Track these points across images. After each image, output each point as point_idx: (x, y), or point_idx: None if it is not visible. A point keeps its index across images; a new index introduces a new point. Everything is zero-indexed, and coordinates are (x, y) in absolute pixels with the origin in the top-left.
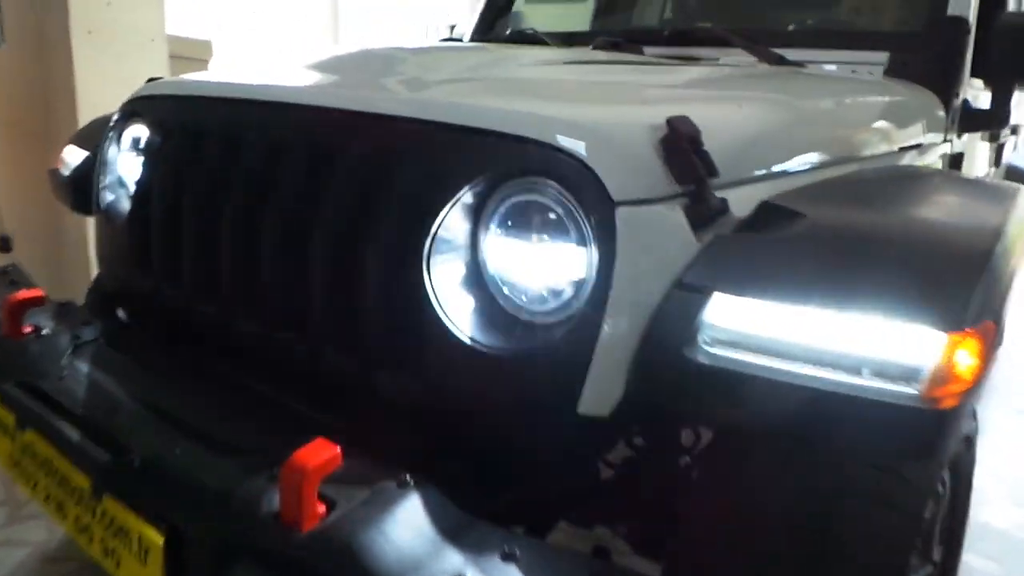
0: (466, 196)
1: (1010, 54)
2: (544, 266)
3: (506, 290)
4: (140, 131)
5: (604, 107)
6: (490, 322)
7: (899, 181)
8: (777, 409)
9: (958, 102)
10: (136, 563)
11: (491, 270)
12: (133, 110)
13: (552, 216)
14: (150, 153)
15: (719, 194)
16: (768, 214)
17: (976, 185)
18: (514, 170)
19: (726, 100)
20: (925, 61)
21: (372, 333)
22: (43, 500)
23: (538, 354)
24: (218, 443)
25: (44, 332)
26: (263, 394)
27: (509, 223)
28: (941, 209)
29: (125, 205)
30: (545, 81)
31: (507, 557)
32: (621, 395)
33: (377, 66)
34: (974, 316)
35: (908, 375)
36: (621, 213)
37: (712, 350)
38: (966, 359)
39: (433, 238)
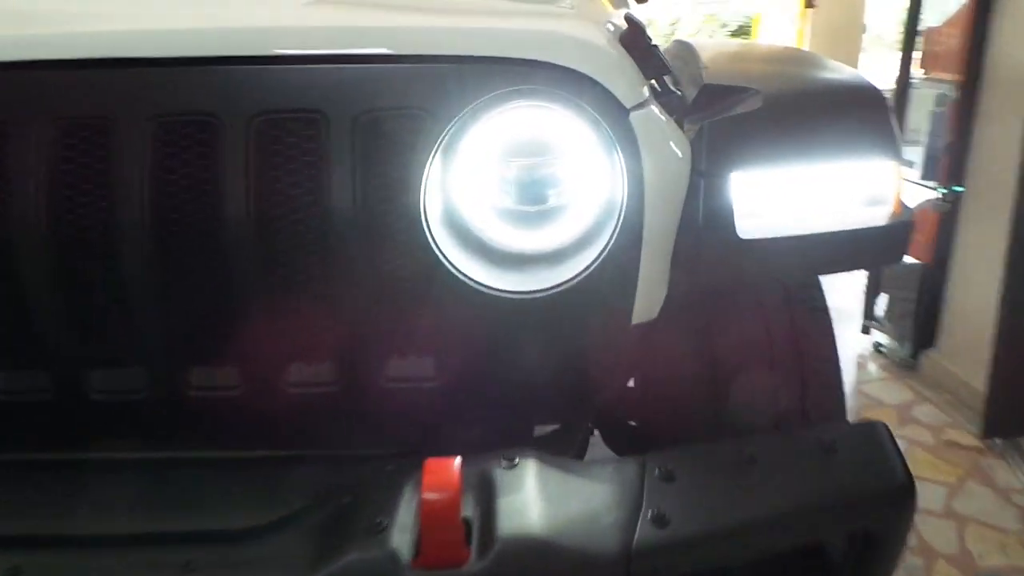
0: (454, 134)
1: None
2: (573, 189)
3: (531, 223)
4: None
5: (554, 20)
6: (516, 264)
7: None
8: (801, 260)
9: None
10: None
11: (511, 201)
12: None
13: (568, 137)
14: None
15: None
16: (713, 94)
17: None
18: (510, 95)
19: None
20: None
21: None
22: None
23: (586, 283)
24: None
25: None
26: None
27: (523, 152)
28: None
29: None
30: None
31: (666, 477)
32: (666, 292)
33: None
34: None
35: (878, 200)
36: (633, 119)
37: (747, 223)
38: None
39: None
